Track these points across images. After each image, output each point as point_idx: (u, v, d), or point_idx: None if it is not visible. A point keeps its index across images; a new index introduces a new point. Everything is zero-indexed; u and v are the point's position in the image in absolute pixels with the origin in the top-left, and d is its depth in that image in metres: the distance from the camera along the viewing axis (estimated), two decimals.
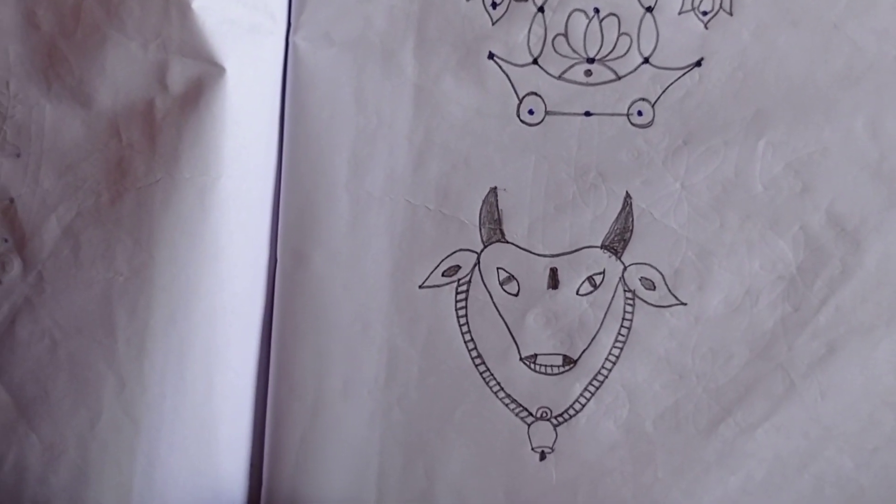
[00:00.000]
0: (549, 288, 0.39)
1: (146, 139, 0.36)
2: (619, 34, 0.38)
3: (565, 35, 0.38)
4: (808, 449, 0.38)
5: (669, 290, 0.39)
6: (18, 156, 0.36)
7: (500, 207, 0.39)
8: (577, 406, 0.39)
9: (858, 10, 0.37)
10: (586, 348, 0.39)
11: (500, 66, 0.39)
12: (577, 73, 0.39)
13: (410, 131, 0.39)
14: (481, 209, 0.39)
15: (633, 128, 0.39)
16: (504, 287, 0.39)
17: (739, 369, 0.39)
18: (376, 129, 0.39)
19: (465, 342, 0.39)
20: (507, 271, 0.39)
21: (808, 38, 0.38)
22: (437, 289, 0.39)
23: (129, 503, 0.36)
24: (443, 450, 0.39)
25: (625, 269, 0.39)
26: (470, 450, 0.39)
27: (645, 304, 0.39)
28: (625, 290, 0.39)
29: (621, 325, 0.39)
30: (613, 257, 0.39)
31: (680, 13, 0.38)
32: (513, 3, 0.38)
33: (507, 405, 0.39)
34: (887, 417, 0.38)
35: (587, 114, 0.39)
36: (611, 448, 0.39)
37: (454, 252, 0.39)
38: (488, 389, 0.39)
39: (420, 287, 0.39)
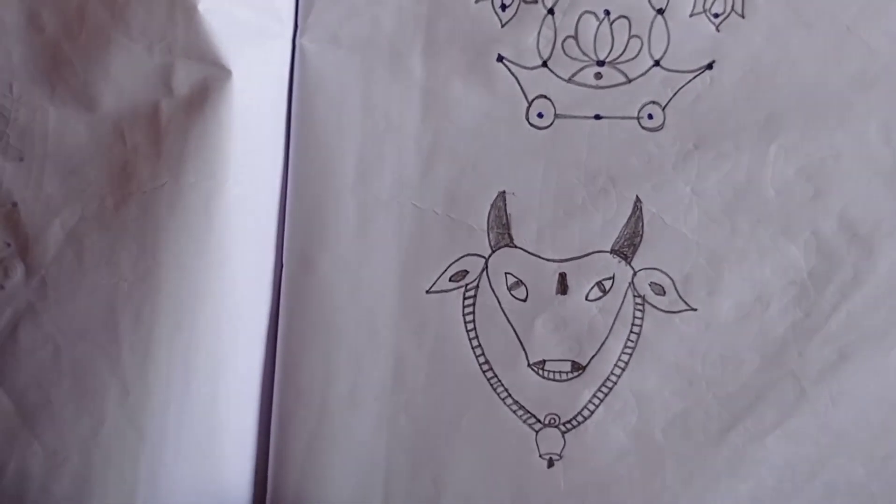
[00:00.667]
0: (557, 293, 0.39)
1: (151, 143, 0.35)
2: (630, 36, 0.38)
3: (575, 37, 0.38)
4: (818, 456, 0.38)
5: (679, 296, 0.38)
6: (22, 159, 0.36)
7: (508, 212, 0.39)
8: (586, 413, 0.39)
9: (872, 12, 0.37)
10: (595, 354, 0.39)
11: (510, 69, 0.38)
12: (587, 75, 0.38)
13: (418, 135, 0.38)
14: (489, 213, 0.39)
15: (644, 131, 0.38)
16: (512, 292, 0.39)
17: (750, 376, 0.38)
18: (384, 132, 0.38)
19: (473, 348, 0.39)
20: (515, 276, 0.39)
21: (820, 40, 0.37)
22: (444, 294, 0.39)
23: None
24: (450, 457, 0.39)
25: (634, 274, 0.39)
26: (477, 457, 0.39)
27: (655, 310, 0.39)
28: (634, 296, 0.39)
29: (630, 331, 0.39)
30: (623, 262, 0.39)
31: (691, 15, 0.38)
32: (522, 5, 0.38)
33: (514, 412, 0.39)
34: None
35: (597, 117, 0.38)
36: (619, 455, 0.39)
37: (462, 257, 0.39)
38: (496, 396, 0.39)
39: (427, 292, 0.39)
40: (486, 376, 0.39)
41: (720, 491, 0.38)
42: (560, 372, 0.39)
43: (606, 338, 0.39)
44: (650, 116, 0.38)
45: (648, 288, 0.39)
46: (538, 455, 0.39)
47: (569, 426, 0.39)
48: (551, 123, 0.38)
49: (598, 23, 0.38)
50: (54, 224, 0.36)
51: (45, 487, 0.36)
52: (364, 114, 0.38)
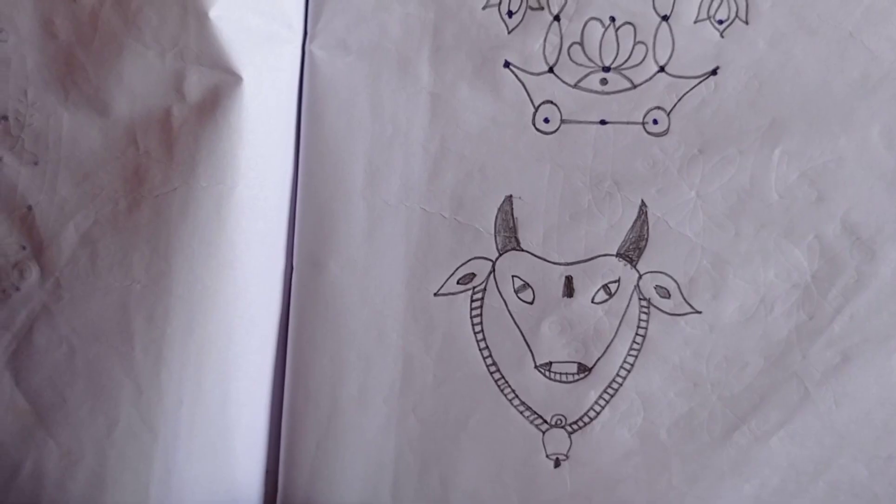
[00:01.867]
0: (564, 296, 0.39)
1: (163, 148, 0.36)
2: (635, 43, 0.38)
3: (581, 43, 0.38)
4: (822, 457, 0.38)
5: (684, 299, 0.39)
6: (36, 163, 0.36)
7: (515, 215, 0.39)
8: (592, 414, 0.39)
9: (875, 18, 0.37)
10: (601, 356, 0.39)
11: (516, 75, 0.39)
12: (593, 81, 0.38)
13: (426, 139, 0.39)
14: (496, 217, 0.39)
15: (649, 136, 0.39)
16: (519, 295, 0.39)
17: (754, 377, 0.39)
18: (392, 137, 0.39)
19: (480, 350, 0.39)
20: (522, 279, 0.39)
21: (824, 46, 0.38)
22: (452, 296, 0.39)
23: None
24: (458, 457, 0.39)
25: (640, 277, 0.39)
26: (485, 457, 0.39)
27: (660, 313, 0.39)
28: (640, 299, 0.39)
29: (636, 334, 0.39)
30: (629, 265, 0.39)
31: (696, 22, 0.38)
32: (529, 11, 0.38)
33: (521, 413, 0.39)
34: None
35: (602, 122, 0.39)
36: (625, 456, 0.39)
37: (469, 260, 0.39)
38: (503, 397, 0.39)
39: (435, 295, 0.39)
40: (493, 378, 0.39)
41: (724, 491, 0.39)
42: (566, 374, 0.39)
43: (612, 340, 0.39)
44: (655, 122, 0.38)
45: (653, 291, 0.39)
46: (545, 455, 0.39)
47: (575, 427, 0.39)
48: (557, 128, 0.39)
49: (603, 29, 0.38)
50: (68, 227, 0.36)
51: (60, 486, 0.36)
52: (372, 119, 0.39)
